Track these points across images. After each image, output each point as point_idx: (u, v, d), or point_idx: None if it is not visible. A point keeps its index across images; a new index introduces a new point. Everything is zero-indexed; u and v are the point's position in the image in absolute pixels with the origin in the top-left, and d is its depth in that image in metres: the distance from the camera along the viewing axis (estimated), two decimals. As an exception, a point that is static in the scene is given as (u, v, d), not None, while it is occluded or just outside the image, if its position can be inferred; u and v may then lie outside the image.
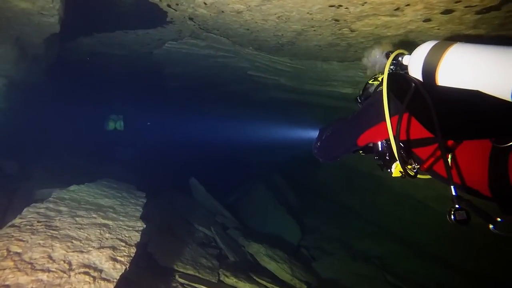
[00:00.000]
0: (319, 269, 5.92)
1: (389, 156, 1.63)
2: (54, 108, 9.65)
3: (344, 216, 8.29)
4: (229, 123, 13.33)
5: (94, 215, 3.17)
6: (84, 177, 7.54)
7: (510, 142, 1.17)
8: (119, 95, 12.47)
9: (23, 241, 2.32)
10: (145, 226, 3.30)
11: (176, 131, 16.70)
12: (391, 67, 1.63)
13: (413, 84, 1.40)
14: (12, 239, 2.32)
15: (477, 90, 1.19)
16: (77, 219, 2.90)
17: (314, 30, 3.31)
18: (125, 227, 3.12)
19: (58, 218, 2.79)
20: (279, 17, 3.13)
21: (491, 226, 1.18)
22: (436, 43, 1.37)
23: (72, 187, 4.01)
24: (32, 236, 2.40)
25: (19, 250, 2.22)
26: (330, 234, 7.72)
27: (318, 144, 1.94)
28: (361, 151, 1.87)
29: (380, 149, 1.67)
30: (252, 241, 5.55)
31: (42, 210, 2.84)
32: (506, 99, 1.12)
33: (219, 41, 5.04)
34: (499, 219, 1.17)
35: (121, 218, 3.33)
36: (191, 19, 4.28)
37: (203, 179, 8.86)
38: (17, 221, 2.62)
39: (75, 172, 7.84)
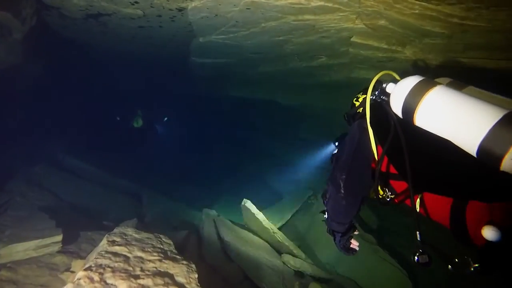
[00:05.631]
0: None
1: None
2: (41, 98, 7.19)
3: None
4: (273, 112, 10.17)
5: None
6: (91, 198, 5.32)
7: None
8: (132, 80, 9.86)
9: None
10: None
11: (202, 126, 13.68)
12: (376, 92, 1.62)
13: (392, 123, 1.47)
14: None
15: (449, 141, 1.22)
16: None
17: None
18: None
19: None
20: None
21: (449, 266, 1.32)
22: (420, 81, 1.35)
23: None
24: None
25: None
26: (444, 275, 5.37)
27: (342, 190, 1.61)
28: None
29: None
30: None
31: None
32: (472, 154, 1.14)
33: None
34: (456, 260, 1.31)
35: None
36: None
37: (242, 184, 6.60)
38: None
39: (74, 186, 5.60)
